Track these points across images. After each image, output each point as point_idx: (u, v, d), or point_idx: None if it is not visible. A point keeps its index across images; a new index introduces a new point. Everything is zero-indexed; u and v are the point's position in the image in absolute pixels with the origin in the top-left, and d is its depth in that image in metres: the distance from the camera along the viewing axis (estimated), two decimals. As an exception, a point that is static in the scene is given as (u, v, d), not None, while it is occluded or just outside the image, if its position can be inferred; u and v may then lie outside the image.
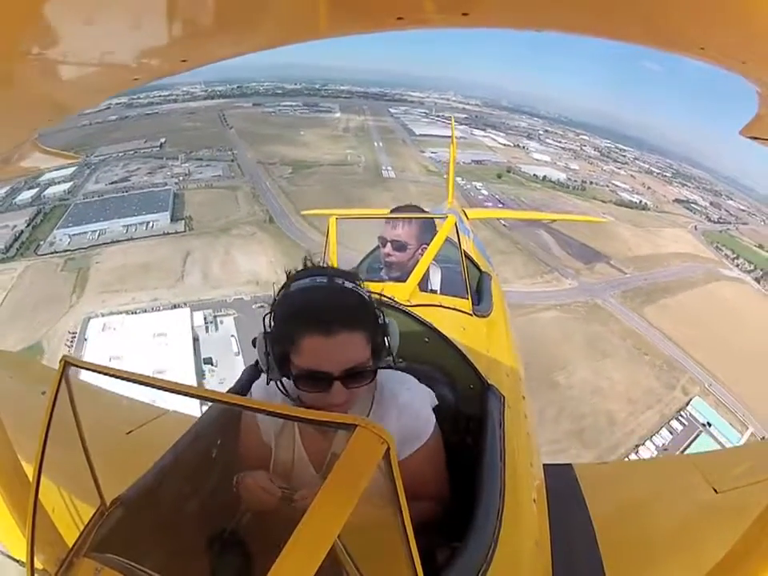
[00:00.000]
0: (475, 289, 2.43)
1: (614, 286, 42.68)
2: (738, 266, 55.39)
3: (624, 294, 41.46)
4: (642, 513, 1.68)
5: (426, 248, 2.17)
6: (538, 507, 1.32)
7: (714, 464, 1.94)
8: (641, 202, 68.67)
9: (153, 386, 0.84)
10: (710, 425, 30.17)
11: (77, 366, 0.93)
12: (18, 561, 1.23)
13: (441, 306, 1.90)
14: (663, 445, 28.05)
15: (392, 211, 2.44)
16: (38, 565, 0.92)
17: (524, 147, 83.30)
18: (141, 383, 0.86)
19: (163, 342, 28.51)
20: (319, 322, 1.01)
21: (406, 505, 0.68)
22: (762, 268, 54.41)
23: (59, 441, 0.94)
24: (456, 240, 2.17)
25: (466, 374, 1.55)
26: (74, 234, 45.52)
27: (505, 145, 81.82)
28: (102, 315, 32.39)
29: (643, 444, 27.91)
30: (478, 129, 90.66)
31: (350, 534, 0.67)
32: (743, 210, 77.31)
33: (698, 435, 29.35)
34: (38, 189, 53.45)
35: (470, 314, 1.95)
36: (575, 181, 69.98)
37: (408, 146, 74.23)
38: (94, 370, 0.91)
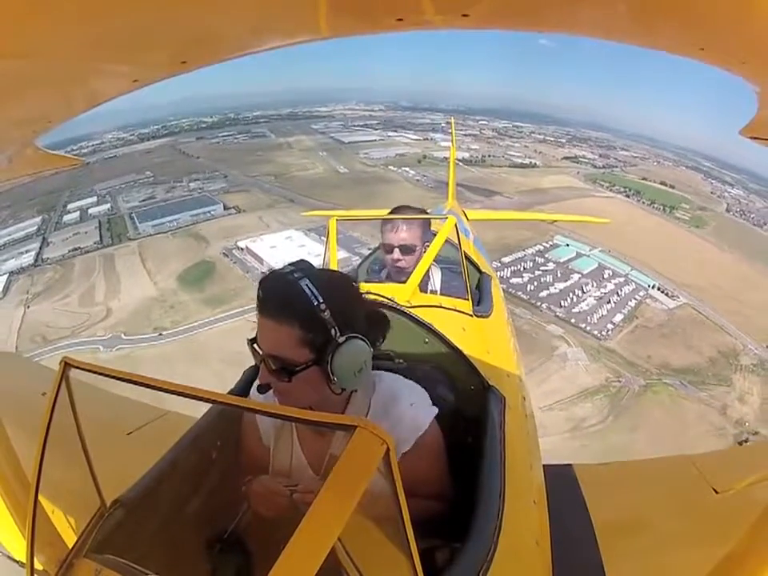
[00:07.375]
0: (475, 289, 2.42)
1: (503, 204, 66.36)
2: (611, 190, 75.84)
3: (510, 206, 64.47)
4: (641, 513, 1.68)
5: (428, 245, 2.13)
6: (538, 508, 1.32)
7: (713, 464, 1.93)
8: (531, 162, 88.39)
9: (152, 388, 0.84)
10: (568, 245, 53.66)
11: (77, 368, 0.92)
12: (18, 562, 1.23)
13: (441, 306, 1.89)
14: (538, 249, 52.50)
15: (390, 213, 2.42)
16: (37, 566, 0.91)
17: (432, 139, 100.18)
18: (140, 384, 0.85)
19: (295, 242, 50.74)
20: (258, 301, 1.08)
21: (406, 506, 0.67)
22: (637, 190, 74.98)
23: (59, 442, 0.93)
24: (456, 241, 2.17)
25: (466, 375, 1.55)
26: (154, 225, 57.65)
27: (416, 139, 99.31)
28: (247, 238, 52.86)
29: (527, 248, 52.46)
30: (390, 131, 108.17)
31: (351, 534, 0.66)
32: (636, 157, 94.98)
33: (558, 246, 53.67)
34: (77, 212, 61.35)
35: (471, 315, 1.94)
36: (476, 157, 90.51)
37: (344, 152, 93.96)
38: (94, 371, 0.90)
